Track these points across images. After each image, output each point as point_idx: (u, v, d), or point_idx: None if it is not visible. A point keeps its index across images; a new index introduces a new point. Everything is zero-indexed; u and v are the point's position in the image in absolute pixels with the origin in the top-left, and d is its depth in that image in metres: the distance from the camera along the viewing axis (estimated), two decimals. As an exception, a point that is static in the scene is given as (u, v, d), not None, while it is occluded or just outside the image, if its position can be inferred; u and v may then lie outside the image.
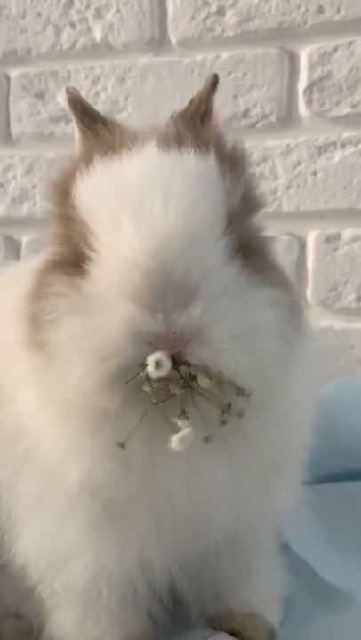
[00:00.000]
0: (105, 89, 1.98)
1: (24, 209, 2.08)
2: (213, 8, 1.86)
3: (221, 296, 0.80)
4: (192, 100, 0.95)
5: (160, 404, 0.80)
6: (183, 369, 0.79)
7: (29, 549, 0.95)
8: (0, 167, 2.10)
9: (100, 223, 0.84)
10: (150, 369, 0.77)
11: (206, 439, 0.82)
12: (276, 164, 1.85)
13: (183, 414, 0.80)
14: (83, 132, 0.94)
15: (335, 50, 1.79)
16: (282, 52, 1.83)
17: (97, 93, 1.99)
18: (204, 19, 1.87)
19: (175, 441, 0.80)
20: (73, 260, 0.87)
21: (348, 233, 1.81)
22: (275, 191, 1.85)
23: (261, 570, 1.06)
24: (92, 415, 0.84)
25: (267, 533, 1.05)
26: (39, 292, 0.87)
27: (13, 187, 2.09)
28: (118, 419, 0.82)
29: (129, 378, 0.79)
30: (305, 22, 1.80)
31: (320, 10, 1.79)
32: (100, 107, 1.95)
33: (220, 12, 1.86)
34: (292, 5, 1.80)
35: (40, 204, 2.05)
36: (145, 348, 0.78)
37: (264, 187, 1.76)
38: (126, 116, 1.94)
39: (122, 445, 0.82)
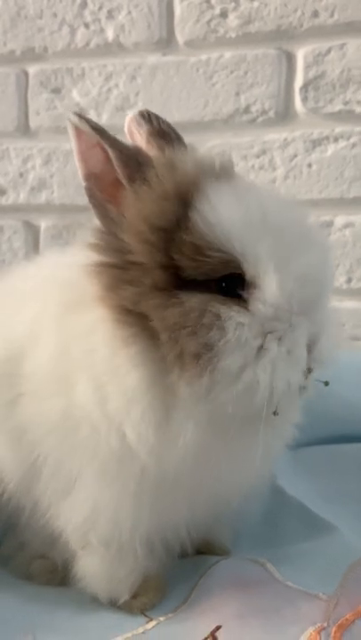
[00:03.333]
0: (117, 86, 2.05)
1: (42, 197, 2.15)
2: (217, 11, 1.93)
3: (329, 308, 1.00)
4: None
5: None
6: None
7: (71, 512, 1.04)
8: (20, 158, 2.17)
9: (261, 253, 0.91)
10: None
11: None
12: (275, 156, 1.92)
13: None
14: (132, 179, 0.97)
15: (329, 51, 1.85)
16: (280, 52, 1.89)
17: (109, 90, 2.05)
18: (209, 21, 1.94)
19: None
20: (204, 283, 0.92)
21: (339, 220, 1.89)
22: (273, 181, 1.91)
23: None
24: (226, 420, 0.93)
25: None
26: (200, 323, 0.90)
27: (32, 176, 2.16)
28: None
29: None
30: (301, 25, 1.86)
31: (315, 14, 1.84)
32: (113, 102, 2.05)
33: (224, 14, 1.92)
34: (290, 9, 1.86)
35: (57, 193, 2.13)
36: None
37: (263, 177, 1.89)
38: (137, 112, 2.04)
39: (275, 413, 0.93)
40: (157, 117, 1.12)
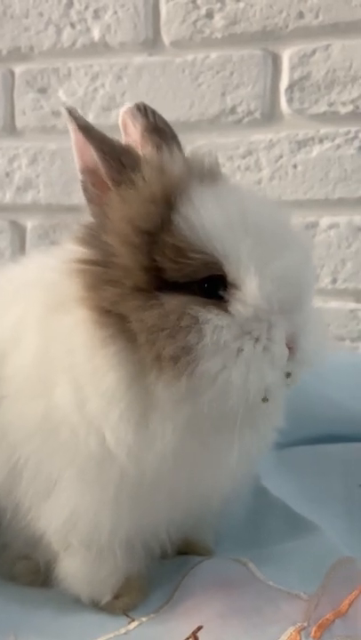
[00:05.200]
0: (103, 85, 2.05)
1: (28, 196, 2.16)
2: (203, 12, 1.93)
3: (312, 308, 1.00)
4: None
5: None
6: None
7: (52, 514, 1.04)
8: (6, 157, 2.17)
9: (242, 254, 0.91)
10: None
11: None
12: (260, 157, 1.93)
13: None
14: (115, 180, 0.96)
15: (314, 52, 1.85)
16: (266, 53, 1.90)
17: (95, 90, 2.06)
18: (195, 21, 1.94)
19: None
20: (186, 285, 0.92)
21: (324, 221, 1.89)
22: (259, 182, 1.92)
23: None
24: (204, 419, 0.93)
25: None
26: (178, 326, 0.90)
27: (18, 176, 2.16)
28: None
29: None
30: (287, 26, 1.86)
31: (300, 15, 1.85)
32: (99, 102, 2.05)
33: (209, 15, 1.93)
34: (275, 10, 1.87)
35: (44, 193, 2.12)
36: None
37: (249, 178, 1.89)
38: (123, 112, 2.05)
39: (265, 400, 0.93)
40: (153, 112, 1.10)
